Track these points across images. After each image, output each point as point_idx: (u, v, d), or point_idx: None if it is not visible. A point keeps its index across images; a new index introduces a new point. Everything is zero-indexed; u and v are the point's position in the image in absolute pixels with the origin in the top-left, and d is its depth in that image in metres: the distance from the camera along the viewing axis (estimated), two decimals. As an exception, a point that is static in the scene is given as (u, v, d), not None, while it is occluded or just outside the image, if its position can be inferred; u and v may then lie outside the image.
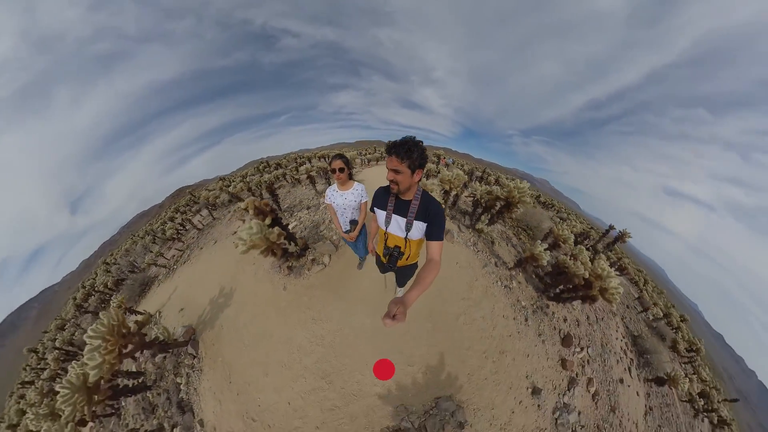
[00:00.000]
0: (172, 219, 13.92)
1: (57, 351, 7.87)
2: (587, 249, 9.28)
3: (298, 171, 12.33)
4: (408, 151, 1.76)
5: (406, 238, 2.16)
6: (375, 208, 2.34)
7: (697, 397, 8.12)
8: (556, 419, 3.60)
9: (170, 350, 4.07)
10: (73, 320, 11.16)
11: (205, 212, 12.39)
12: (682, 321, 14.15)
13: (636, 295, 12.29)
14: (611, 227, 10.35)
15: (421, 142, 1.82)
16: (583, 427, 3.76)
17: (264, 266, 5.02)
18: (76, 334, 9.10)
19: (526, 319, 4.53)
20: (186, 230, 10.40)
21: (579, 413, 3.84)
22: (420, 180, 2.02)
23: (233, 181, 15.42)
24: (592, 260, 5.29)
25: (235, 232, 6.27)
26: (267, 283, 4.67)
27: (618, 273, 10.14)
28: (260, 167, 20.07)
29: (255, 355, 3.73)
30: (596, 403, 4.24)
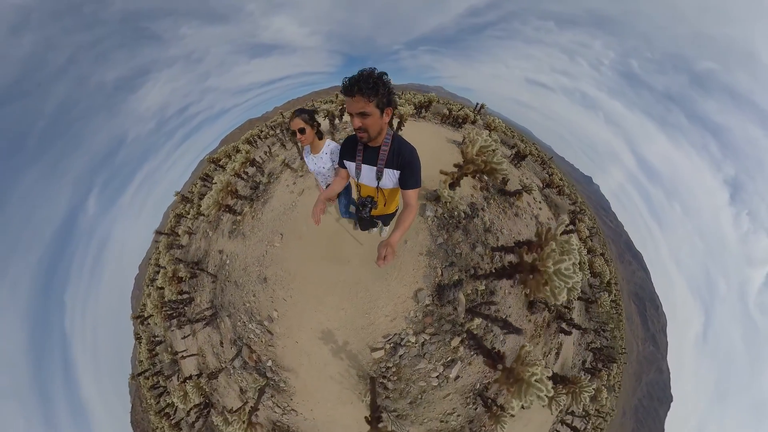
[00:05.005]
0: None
1: None
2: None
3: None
4: (374, 86, 1.48)
5: (377, 187, 2.08)
6: (344, 161, 2.16)
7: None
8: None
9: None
10: None
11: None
12: (534, 146, 22.22)
13: (511, 144, 18.53)
14: (477, 103, 15.01)
15: (386, 74, 1.52)
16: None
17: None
18: None
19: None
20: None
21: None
22: (391, 120, 1.78)
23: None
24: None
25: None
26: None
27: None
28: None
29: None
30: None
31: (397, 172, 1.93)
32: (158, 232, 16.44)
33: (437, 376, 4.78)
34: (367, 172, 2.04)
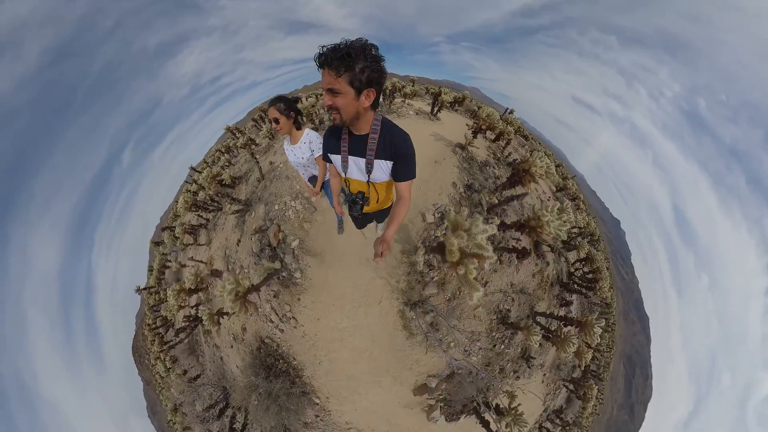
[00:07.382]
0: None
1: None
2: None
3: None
4: (345, 59, 1.26)
5: (368, 181, 1.88)
6: (329, 155, 1.95)
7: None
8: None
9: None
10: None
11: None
12: (558, 165, 23.00)
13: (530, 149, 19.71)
14: (507, 108, 16.33)
15: (374, 46, 1.31)
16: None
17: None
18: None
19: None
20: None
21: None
22: (375, 104, 1.51)
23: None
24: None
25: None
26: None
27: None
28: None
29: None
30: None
31: (389, 163, 1.77)
32: (192, 168, 17.75)
33: (474, 267, 5.54)
34: (356, 165, 1.85)
